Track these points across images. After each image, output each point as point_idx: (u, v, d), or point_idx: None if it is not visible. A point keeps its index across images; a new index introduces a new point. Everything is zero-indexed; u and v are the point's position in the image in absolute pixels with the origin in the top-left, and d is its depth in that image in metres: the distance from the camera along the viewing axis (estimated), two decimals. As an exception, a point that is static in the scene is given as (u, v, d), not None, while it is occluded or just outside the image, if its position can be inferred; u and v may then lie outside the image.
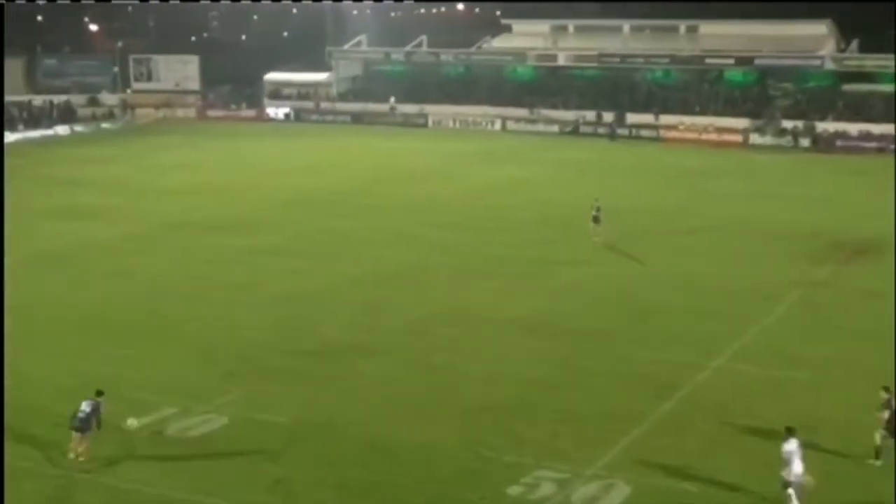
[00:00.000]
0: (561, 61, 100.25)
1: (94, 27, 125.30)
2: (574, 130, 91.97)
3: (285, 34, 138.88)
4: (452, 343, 32.16)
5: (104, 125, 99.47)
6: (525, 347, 31.91)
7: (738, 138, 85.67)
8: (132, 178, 66.24)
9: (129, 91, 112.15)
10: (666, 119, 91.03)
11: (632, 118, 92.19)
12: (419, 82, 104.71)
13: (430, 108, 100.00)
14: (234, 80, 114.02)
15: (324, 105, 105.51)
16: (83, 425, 23.39)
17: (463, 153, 78.68)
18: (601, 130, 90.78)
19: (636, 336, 33.28)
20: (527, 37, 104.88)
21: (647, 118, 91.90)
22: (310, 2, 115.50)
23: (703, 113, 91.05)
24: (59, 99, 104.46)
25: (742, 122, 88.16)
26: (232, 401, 27.03)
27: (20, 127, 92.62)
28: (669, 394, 28.20)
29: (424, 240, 47.32)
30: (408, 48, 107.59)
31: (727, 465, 23.71)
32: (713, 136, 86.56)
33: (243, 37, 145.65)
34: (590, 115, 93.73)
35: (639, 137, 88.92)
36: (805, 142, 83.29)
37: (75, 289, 38.37)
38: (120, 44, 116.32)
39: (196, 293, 37.76)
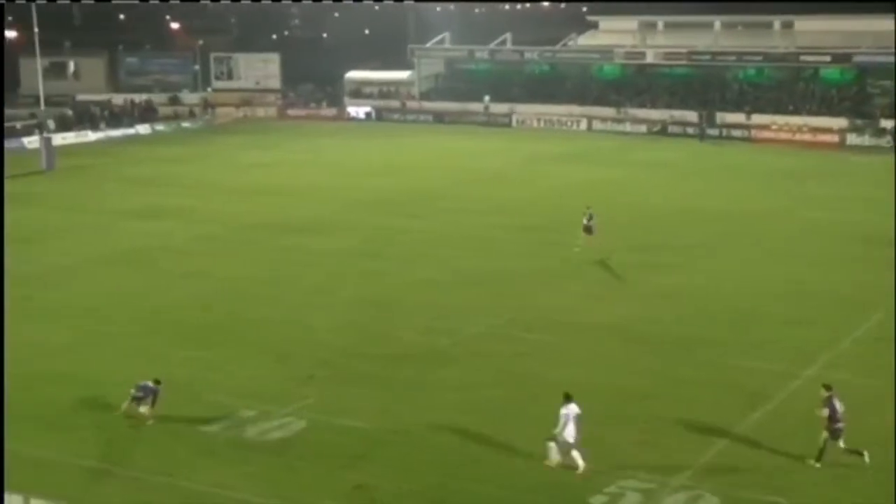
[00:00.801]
0: (649, 59, 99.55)
1: (175, 25, 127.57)
2: (662, 130, 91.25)
3: (366, 32, 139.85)
4: (535, 349, 32.05)
5: (184, 124, 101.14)
6: (611, 354, 31.69)
7: (835, 139, 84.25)
8: (211, 177, 67.22)
9: (209, 90, 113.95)
10: (758, 119, 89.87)
11: (722, 118, 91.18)
12: (503, 81, 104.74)
13: (513, 108, 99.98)
14: (314, 79, 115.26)
15: (407, 103, 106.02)
16: (141, 396, 25.68)
17: (547, 154, 78.49)
18: (690, 130, 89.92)
19: (726, 343, 32.86)
20: (614, 34, 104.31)
21: (739, 118, 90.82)
22: (391, 0, 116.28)
23: (797, 112, 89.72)
24: (140, 98, 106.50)
25: (839, 122, 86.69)
26: (310, 405, 27.24)
27: (102, 126, 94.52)
28: (760, 403, 27.80)
29: (506, 243, 47.25)
30: (492, 46, 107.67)
31: (818, 479, 23.30)
32: (808, 137, 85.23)
33: (324, 35, 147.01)
34: (678, 114, 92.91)
35: (729, 138, 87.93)
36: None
37: (152, 289, 39.02)
38: (201, 42, 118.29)
39: (273, 295, 38.16)
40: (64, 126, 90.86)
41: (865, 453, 23.58)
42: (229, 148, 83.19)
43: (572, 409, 23.54)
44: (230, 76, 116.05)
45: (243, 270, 41.88)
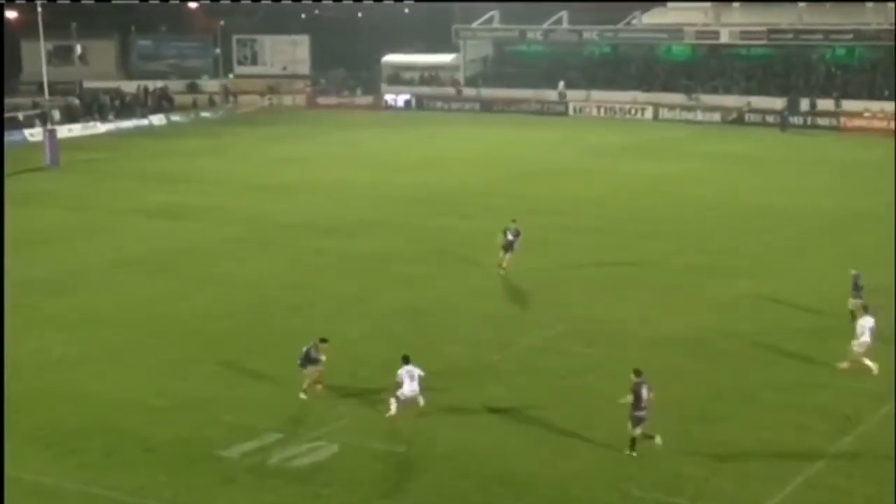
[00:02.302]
0: (724, 39, 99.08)
1: (193, 4, 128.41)
2: (738, 119, 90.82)
3: (406, 11, 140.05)
4: (594, 364, 31.92)
5: (204, 114, 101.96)
6: (679, 370, 31.49)
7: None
8: (234, 173, 67.69)
9: (231, 76, 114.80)
10: (848, 105, 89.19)
11: (807, 104, 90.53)
12: (559, 64, 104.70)
13: (570, 94, 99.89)
14: (348, 64, 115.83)
15: (450, 91, 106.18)
16: (303, 363, 28.97)
17: (608, 146, 78.34)
18: (770, 119, 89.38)
19: (810, 359, 32.56)
20: (684, 11, 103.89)
21: (826, 104, 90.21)
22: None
23: (893, 97, 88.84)
24: (154, 85, 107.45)
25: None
26: (343, 427, 27.29)
27: (111, 116, 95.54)
28: (851, 427, 27.53)
29: (563, 245, 47.19)
30: (546, 26, 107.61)
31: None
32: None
33: (359, 14, 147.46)
34: (757, 100, 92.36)
35: (815, 127, 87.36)
36: None
37: (170, 297, 39.31)
38: (222, 23, 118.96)
39: (304, 303, 38.32)
40: (70, 117, 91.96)
41: (657, 437, 25.34)
42: (253, 140, 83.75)
43: (410, 369, 27.59)
44: (254, 61, 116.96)
45: (270, 276, 42.11)
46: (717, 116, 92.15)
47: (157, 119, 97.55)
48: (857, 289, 35.07)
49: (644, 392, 25.45)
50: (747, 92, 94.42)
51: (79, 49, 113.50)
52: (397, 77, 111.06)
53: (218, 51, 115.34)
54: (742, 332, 34.57)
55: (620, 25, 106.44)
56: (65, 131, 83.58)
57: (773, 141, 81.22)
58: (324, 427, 27.28)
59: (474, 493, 23.91)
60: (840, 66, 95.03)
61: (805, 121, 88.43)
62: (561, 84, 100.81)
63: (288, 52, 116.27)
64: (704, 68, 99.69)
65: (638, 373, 25.86)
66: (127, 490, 23.86)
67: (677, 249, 46.18)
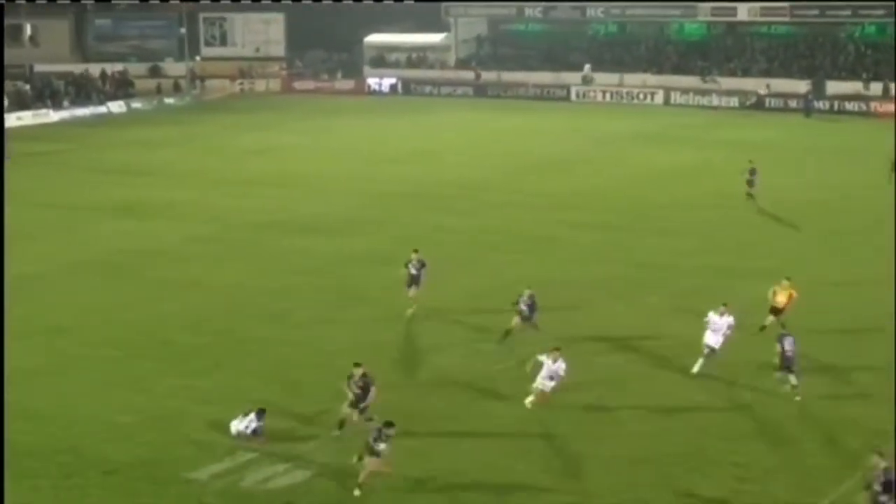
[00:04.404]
0: (742, 16, 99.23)
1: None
2: (758, 104, 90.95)
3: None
4: (603, 378, 31.95)
5: (168, 100, 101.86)
6: (696, 384, 31.60)
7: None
8: (202, 166, 67.62)
9: (198, 58, 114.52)
10: (879, 88, 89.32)
11: (834, 87, 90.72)
12: (560, 45, 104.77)
13: (572, 78, 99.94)
14: (327, 44, 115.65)
15: (435, 74, 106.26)
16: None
17: (615, 134, 78.42)
18: (793, 104, 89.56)
19: (834, 370, 32.73)
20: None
21: (855, 87, 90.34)
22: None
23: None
24: (113, 68, 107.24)
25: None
26: (322, 445, 27.34)
27: (66, 103, 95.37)
28: (883, 442, 27.64)
29: (568, 244, 47.30)
30: (546, 2, 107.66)
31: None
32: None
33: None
34: (778, 83, 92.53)
35: (843, 112, 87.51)
36: None
37: (134, 304, 39.31)
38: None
39: (280, 310, 38.33)
40: (20, 104, 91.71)
41: (375, 417, 26.71)
42: (223, 129, 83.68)
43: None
44: (223, 41, 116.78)
45: (243, 279, 42.12)
46: (734, 101, 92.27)
47: (117, 106, 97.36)
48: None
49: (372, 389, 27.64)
50: (768, 74, 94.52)
51: (28, 29, 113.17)
52: (382, 59, 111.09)
53: (183, 30, 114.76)
54: (769, 335, 34.42)
55: (628, 2, 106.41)
56: (13, 120, 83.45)
57: (797, 127, 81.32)
58: (301, 446, 27.33)
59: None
60: (870, 44, 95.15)
61: (832, 105, 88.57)
62: (587, 67, 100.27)
63: (261, 32, 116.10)
64: (720, 48, 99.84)
65: (357, 364, 27.93)
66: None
67: (693, 248, 46.27)
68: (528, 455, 27.03)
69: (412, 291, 37.72)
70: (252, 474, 25.98)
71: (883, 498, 21.66)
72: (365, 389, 27.62)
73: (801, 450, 27.41)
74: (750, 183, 53.84)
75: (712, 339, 31.94)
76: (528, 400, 29.30)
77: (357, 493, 24.72)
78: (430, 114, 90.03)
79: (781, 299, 34.76)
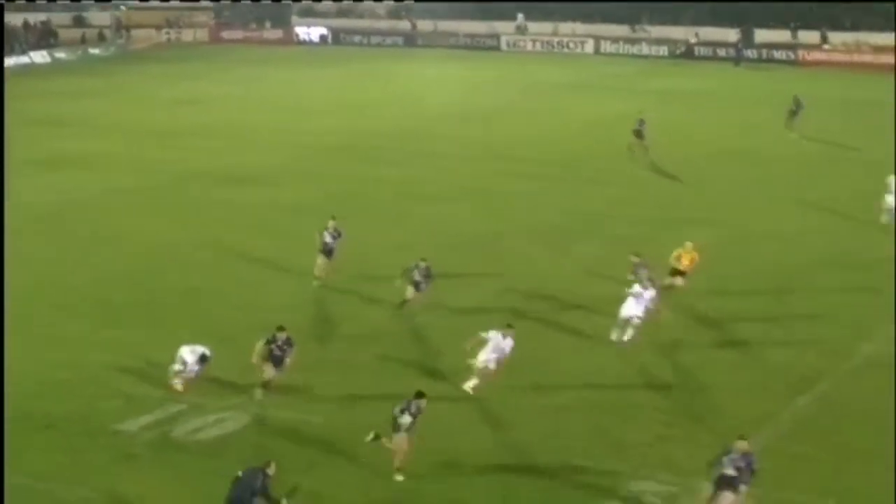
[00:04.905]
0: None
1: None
2: (688, 53, 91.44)
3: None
4: (537, 329, 32.18)
5: (93, 51, 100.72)
6: (619, 350, 32.08)
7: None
8: (128, 117, 67.09)
9: (123, 7, 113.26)
10: (806, 36, 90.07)
11: (763, 36, 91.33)
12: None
13: (503, 27, 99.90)
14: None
15: (365, 24, 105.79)
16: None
17: (546, 83, 78.63)
18: (723, 52, 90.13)
19: (766, 316, 33.33)
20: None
21: (783, 35, 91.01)
22: None
23: (855, 28, 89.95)
24: (35, 17, 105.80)
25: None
26: (252, 398, 27.40)
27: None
28: (807, 388, 28.30)
29: (500, 194, 47.58)
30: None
31: (882, 478, 23.90)
32: (868, 58, 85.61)
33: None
34: (708, 32, 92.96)
35: (772, 60, 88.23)
36: None
37: (58, 259, 39.06)
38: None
39: (209, 263, 38.24)
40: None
41: (257, 391, 27.08)
42: (149, 80, 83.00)
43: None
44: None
45: (173, 233, 41.88)
46: (663, 50, 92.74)
47: (40, 56, 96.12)
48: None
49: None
50: (697, 22, 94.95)
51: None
52: (311, 9, 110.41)
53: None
54: (697, 289, 34.99)
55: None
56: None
57: (727, 76, 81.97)
58: (232, 398, 27.46)
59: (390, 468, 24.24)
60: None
61: (760, 54, 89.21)
62: (520, 17, 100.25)
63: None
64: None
65: (281, 328, 27.40)
66: (13, 468, 23.68)
67: (626, 197, 46.75)
68: (456, 402, 27.34)
69: (321, 260, 35.72)
70: (181, 425, 26.09)
71: (732, 475, 21.87)
72: (284, 353, 27.34)
73: (730, 394, 27.92)
74: (638, 134, 53.27)
75: (633, 308, 30.88)
76: (469, 385, 27.64)
77: (400, 478, 23.55)
78: (360, 64, 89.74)
79: (685, 262, 34.35)
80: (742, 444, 21.78)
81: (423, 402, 23.79)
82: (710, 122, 63.71)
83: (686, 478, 23.62)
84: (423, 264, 33.04)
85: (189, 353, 27.74)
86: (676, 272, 34.05)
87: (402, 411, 23.54)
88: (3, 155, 48.38)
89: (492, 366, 27.51)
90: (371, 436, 23.96)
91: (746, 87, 77.18)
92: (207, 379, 28.23)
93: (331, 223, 36.08)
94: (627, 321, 30.81)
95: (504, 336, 27.65)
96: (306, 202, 45.83)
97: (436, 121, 64.39)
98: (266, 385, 27.29)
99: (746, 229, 42.18)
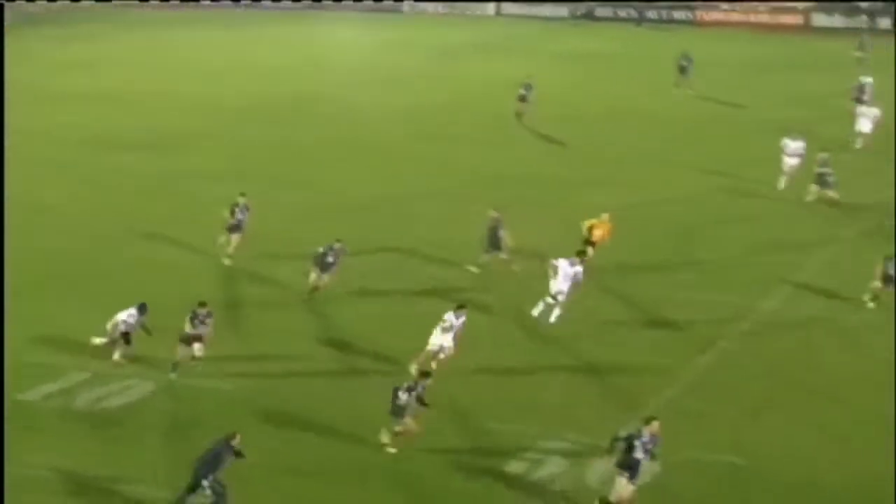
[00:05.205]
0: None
1: None
2: (588, 14, 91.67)
3: None
4: (437, 289, 32.45)
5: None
6: (530, 291, 32.30)
7: (798, 20, 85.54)
8: (15, 80, 65.15)
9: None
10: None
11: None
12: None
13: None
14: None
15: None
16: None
17: (448, 46, 78.24)
18: (624, 13, 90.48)
19: (669, 274, 33.80)
20: None
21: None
22: None
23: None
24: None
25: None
26: (160, 364, 27.30)
27: None
28: (709, 345, 28.77)
29: (405, 157, 47.59)
30: None
31: (782, 433, 24.47)
32: (765, 18, 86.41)
33: None
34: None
35: (671, 21, 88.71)
36: (886, 22, 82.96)
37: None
38: None
39: (110, 232, 37.68)
40: None
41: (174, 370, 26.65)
42: (38, 42, 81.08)
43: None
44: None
45: (63, 200, 41.24)
46: (564, 11, 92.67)
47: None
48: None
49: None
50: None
51: None
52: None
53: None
54: (600, 249, 35.26)
55: None
56: None
57: (628, 38, 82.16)
58: (136, 364, 27.31)
59: (308, 427, 24.26)
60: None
61: (661, 15, 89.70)
62: None
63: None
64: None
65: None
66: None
67: (528, 159, 46.98)
68: (348, 367, 27.60)
69: (231, 238, 34.67)
70: (85, 394, 25.96)
71: (638, 458, 21.56)
72: (206, 326, 27.00)
73: (633, 353, 28.31)
74: (523, 98, 53.23)
75: (561, 285, 30.08)
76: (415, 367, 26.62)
77: (392, 450, 23.55)
78: (260, 26, 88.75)
79: (598, 233, 34.14)
80: (654, 426, 21.48)
81: (427, 381, 23.68)
82: (609, 83, 63.98)
83: (592, 437, 23.87)
84: (337, 245, 31.88)
85: (124, 315, 27.47)
86: (588, 242, 33.83)
87: (408, 390, 23.35)
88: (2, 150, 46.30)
89: (447, 348, 26.87)
90: (384, 437, 23.66)
91: (647, 48, 77.37)
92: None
93: (241, 199, 35.18)
94: (555, 298, 30.08)
95: (458, 316, 27.09)
96: (207, 167, 45.52)
97: (337, 84, 63.96)
98: (179, 362, 26.85)
99: (646, 190, 42.60)
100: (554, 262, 30.35)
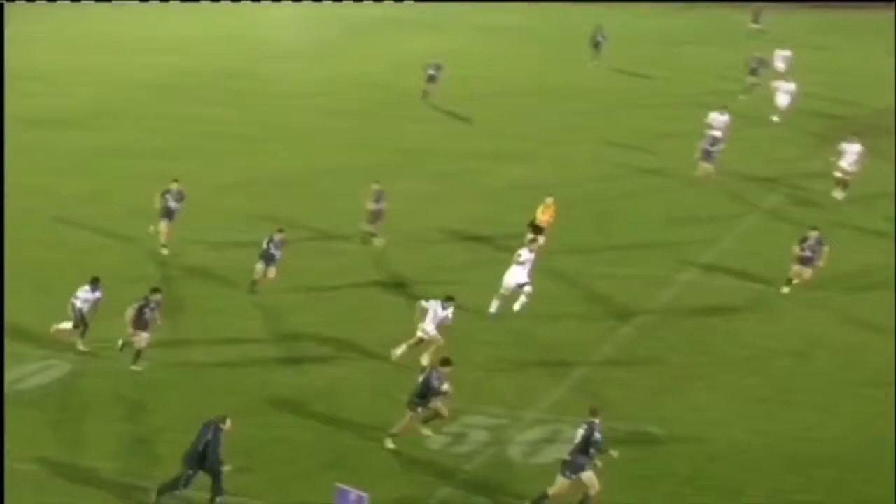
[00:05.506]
0: None
1: None
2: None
3: None
4: (356, 263, 32.52)
5: None
6: (449, 265, 32.44)
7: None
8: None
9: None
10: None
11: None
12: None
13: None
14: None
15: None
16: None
17: (363, 20, 77.67)
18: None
19: (589, 248, 33.98)
20: None
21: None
22: None
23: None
24: None
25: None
26: (76, 343, 26.99)
27: None
28: (629, 317, 28.99)
29: (322, 132, 47.43)
30: None
31: (701, 401, 24.74)
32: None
33: None
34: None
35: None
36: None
37: None
38: None
39: (21, 208, 37.02)
40: None
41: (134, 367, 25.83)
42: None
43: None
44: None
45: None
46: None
47: None
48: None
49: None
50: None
51: None
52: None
53: None
54: (512, 221, 35.32)
55: None
56: None
57: (546, 12, 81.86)
58: (53, 345, 26.98)
59: (228, 407, 24.15)
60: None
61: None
62: None
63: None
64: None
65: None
66: None
67: (447, 133, 47.03)
68: (281, 341, 27.43)
69: (164, 226, 33.52)
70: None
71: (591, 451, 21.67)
72: (154, 314, 26.14)
73: (554, 327, 28.47)
74: (431, 79, 52.92)
75: (520, 276, 29.25)
76: (398, 352, 26.39)
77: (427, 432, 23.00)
78: (175, 2, 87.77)
79: (545, 218, 33.89)
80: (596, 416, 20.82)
81: (446, 370, 22.86)
82: (526, 58, 63.99)
83: (513, 409, 24.06)
84: (278, 236, 30.70)
85: (79, 293, 26.93)
86: (538, 228, 33.35)
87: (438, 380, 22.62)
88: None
89: (430, 334, 26.27)
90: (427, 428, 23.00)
91: (564, 22, 77.28)
92: (27, 325, 27.75)
93: (174, 185, 33.79)
94: (517, 290, 29.18)
95: (444, 307, 26.35)
96: (123, 143, 45.23)
97: (253, 59, 63.41)
98: (137, 353, 26.06)
99: (563, 163, 42.78)
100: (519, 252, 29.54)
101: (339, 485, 18.80)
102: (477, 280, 30.69)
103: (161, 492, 20.38)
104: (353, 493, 18.50)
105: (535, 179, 40.07)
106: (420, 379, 22.63)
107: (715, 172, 40.00)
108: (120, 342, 26.09)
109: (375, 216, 33.99)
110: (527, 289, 28.95)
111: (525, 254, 29.50)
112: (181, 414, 23.53)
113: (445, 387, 22.39)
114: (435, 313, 26.23)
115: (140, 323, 25.72)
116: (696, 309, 29.64)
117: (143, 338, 25.78)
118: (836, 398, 24.96)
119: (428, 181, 40.33)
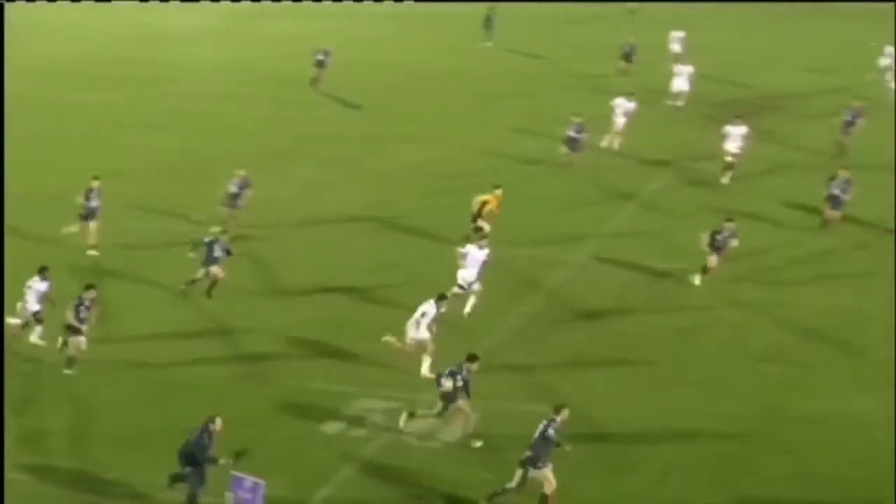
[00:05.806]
0: None
1: None
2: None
3: None
4: (254, 250, 32.29)
5: None
6: (341, 249, 32.53)
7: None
8: None
9: None
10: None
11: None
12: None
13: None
14: None
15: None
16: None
17: (238, 7, 76.56)
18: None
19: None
20: None
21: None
22: None
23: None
24: None
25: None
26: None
27: None
28: (526, 298, 29.31)
29: (208, 117, 47.08)
30: None
31: (590, 379, 25.13)
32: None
33: None
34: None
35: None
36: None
37: None
38: None
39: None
40: None
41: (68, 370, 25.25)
42: None
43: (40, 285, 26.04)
44: None
45: None
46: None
47: None
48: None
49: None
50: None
51: None
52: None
53: None
54: (406, 206, 35.56)
55: None
56: None
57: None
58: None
59: (124, 396, 24.05)
60: None
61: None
62: None
63: None
64: None
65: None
66: None
67: (337, 117, 46.91)
68: (160, 328, 27.46)
69: (92, 226, 32.25)
70: None
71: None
72: (90, 311, 25.56)
73: (452, 304, 28.51)
74: (320, 64, 52.41)
75: (470, 273, 28.51)
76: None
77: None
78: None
79: (489, 207, 33.36)
80: (564, 413, 20.66)
81: (473, 366, 22.66)
82: (417, 40, 63.93)
83: (407, 393, 24.19)
84: (223, 239, 29.35)
85: (29, 291, 26.18)
86: (477, 219, 33.00)
87: (451, 375, 22.42)
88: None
89: (423, 333, 25.56)
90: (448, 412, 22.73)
91: (457, 5, 77.38)
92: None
93: (95, 183, 32.42)
94: (467, 287, 28.49)
95: (437, 308, 25.78)
96: (20, 134, 44.12)
97: (131, 45, 62.20)
98: (72, 357, 25.37)
99: (457, 145, 42.94)
100: (462, 249, 28.87)
101: (235, 472, 18.81)
102: (378, 262, 31.03)
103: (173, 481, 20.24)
104: (249, 480, 18.56)
105: (427, 161, 40.24)
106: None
107: (578, 158, 40.11)
108: (60, 340, 25.45)
109: (233, 199, 33.22)
110: (475, 287, 28.39)
111: (472, 250, 28.61)
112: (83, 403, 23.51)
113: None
114: (424, 313, 25.49)
115: (76, 326, 25.09)
116: (592, 288, 30.03)
117: (79, 341, 25.15)
118: (726, 374, 25.51)
119: (321, 167, 40.24)
